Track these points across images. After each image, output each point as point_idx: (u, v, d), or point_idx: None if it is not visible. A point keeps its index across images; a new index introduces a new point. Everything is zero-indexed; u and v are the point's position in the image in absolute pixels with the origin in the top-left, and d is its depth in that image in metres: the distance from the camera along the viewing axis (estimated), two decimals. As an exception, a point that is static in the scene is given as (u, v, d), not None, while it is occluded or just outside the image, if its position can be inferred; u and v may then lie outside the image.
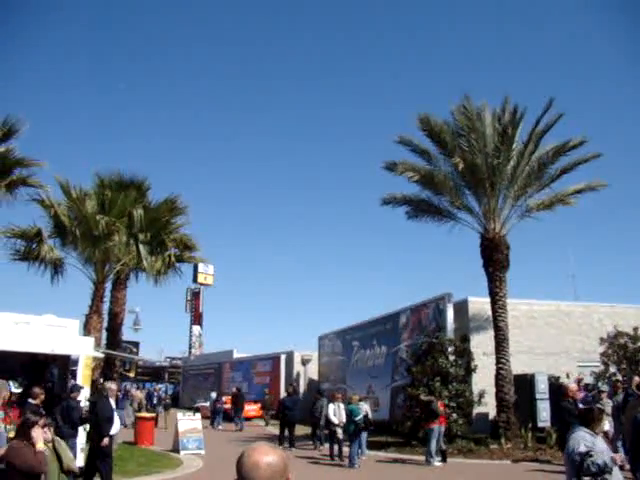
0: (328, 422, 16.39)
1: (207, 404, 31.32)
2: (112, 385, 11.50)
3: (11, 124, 16.67)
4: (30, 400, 9.41)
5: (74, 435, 10.99)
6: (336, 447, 15.87)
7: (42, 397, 9.87)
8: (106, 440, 10.12)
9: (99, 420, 10.30)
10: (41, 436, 5.28)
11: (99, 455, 10.21)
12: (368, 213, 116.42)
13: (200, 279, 58.69)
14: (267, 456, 1.97)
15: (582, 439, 5.18)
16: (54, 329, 12.16)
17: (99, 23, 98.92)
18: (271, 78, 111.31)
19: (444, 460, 14.97)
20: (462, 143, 19.24)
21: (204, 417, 23.32)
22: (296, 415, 19.20)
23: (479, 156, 19.02)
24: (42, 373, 13.03)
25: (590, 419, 5.34)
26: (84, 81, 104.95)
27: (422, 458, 15.13)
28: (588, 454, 5.01)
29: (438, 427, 15.02)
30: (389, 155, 20.26)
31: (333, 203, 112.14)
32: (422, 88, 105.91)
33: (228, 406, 29.20)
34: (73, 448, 10.86)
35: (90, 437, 10.84)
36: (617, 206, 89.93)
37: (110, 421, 10.43)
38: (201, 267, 55.83)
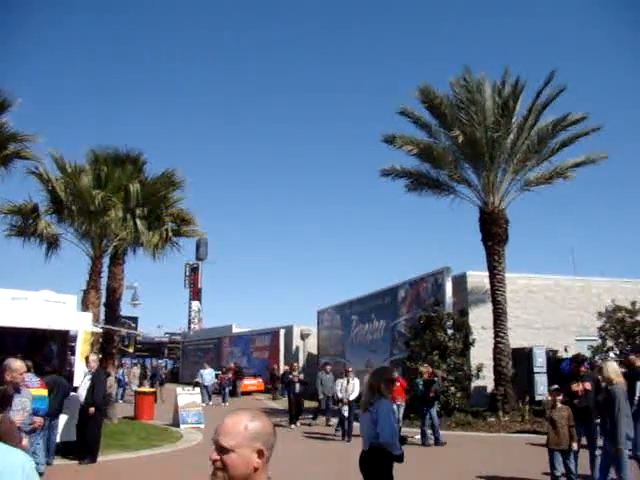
0: (336, 399, 15.78)
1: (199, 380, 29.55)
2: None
3: (3, 98, 16.40)
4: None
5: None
6: (344, 424, 14.99)
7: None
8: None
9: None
10: None
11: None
12: (367, 188, 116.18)
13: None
14: (242, 415, 1.92)
15: None
16: (52, 305, 12.14)
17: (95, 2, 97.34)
18: (270, 54, 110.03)
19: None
20: (462, 116, 19.02)
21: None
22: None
23: (479, 129, 18.84)
24: (41, 349, 13.05)
25: None
26: (79, 59, 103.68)
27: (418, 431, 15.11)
28: None
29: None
30: (389, 129, 20.00)
31: (332, 177, 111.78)
32: (423, 62, 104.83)
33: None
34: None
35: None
36: (617, 179, 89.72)
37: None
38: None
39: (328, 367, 18.15)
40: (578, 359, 9.82)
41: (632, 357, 10.03)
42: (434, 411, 14.15)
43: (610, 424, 7.37)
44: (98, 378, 11.48)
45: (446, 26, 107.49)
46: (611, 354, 17.62)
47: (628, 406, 7.68)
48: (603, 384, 7.95)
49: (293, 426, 17.17)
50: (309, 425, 17.62)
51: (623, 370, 10.62)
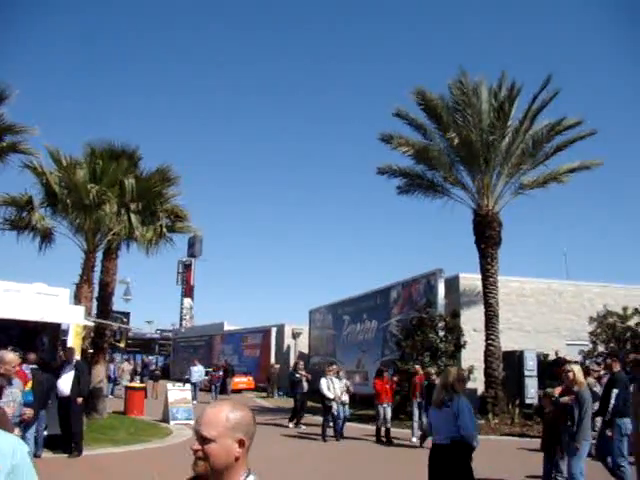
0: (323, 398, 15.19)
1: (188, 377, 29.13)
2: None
3: (0, 90, 16.34)
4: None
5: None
6: (332, 424, 14.77)
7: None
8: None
9: None
10: None
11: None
12: (361, 189, 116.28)
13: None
14: (223, 406, 1.95)
15: None
16: (44, 297, 12.13)
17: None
18: (267, 53, 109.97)
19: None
20: (457, 118, 19.10)
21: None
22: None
23: (474, 132, 18.91)
24: (33, 342, 13.03)
25: None
26: (75, 54, 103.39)
27: (409, 432, 15.13)
28: None
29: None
30: (386, 131, 20.03)
31: (326, 177, 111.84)
32: (420, 65, 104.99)
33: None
34: None
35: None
36: (611, 184, 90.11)
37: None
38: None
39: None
40: (560, 362, 9.86)
41: (608, 361, 10.06)
42: None
43: (576, 425, 7.43)
44: (81, 369, 11.48)
45: (445, 29, 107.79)
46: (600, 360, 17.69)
47: (591, 410, 7.77)
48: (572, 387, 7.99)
49: (291, 425, 16.93)
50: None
51: (608, 375, 10.66)
